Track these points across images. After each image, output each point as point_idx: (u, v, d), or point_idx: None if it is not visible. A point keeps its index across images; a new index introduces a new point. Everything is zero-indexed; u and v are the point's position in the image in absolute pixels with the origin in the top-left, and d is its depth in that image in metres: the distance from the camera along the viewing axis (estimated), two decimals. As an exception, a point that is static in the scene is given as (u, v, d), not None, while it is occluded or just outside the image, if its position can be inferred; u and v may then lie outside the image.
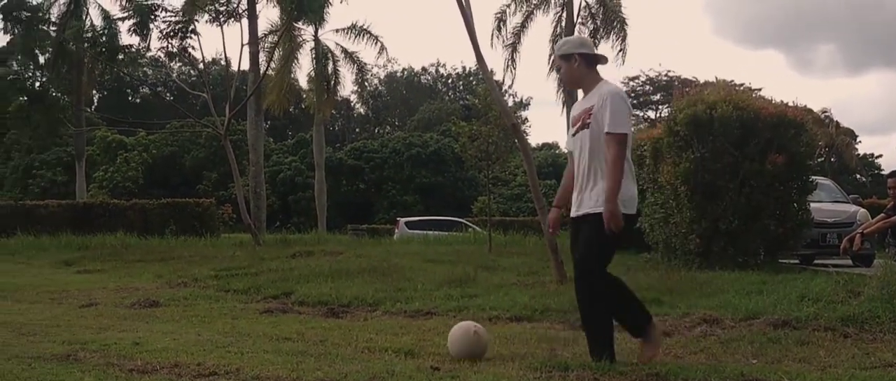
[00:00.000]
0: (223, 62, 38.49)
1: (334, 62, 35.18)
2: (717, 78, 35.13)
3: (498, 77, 36.77)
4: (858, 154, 57.24)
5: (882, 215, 8.75)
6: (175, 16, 22.61)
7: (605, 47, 29.75)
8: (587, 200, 4.67)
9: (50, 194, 45.51)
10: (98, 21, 30.98)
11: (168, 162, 55.96)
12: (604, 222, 4.50)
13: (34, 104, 31.62)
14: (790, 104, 12.00)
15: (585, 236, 4.69)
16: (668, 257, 11.40)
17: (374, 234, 31.61)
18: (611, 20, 28.76)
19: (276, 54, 29.83)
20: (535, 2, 28.79)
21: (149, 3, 23.11)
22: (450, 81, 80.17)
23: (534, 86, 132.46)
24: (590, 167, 4.66)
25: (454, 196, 52.53)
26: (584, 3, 28.82)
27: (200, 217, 28.98)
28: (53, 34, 31.32)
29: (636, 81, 56.31)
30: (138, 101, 69.00)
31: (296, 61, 33.48)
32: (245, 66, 26.00)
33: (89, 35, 29.03)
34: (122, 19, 24.91)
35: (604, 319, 4.73)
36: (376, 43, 34.03)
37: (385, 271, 10.95)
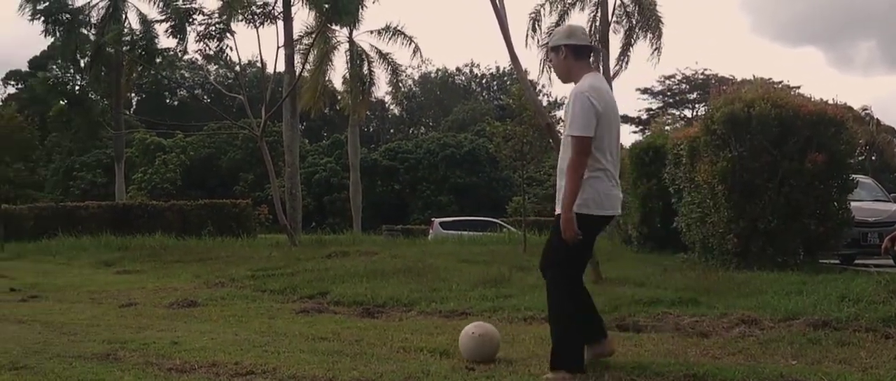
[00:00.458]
0: (259, 64, 38.79)
1: (369, 63, 35.29)
2: (754, 76, 34.72)
3: (532, 77, 36.72)
4: (899, 152, 56.20)
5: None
6: (212, 18, 22.85)
7: (641, 46, 29.64)
8: (557, 201, 4.55)
9: (90, 195, 46.16)
10: (136, 24, 31.47)
11: (205, 164, 56.52)
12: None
13: (74, 107, 32.12)
14: (830, 102, 11.78)
15: (549, 237, 4.65)
16: (705, 257, 11.28)
17: (409, 234, 31.66)
18: (646, 18, 28.57)
19: (311, 56, 30.00)
20: (569, 1, 28.67)
21: (186, 6, 23.38)
22: (484, 81, 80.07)
23: (568, 85, 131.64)
24: (560, 168, 4.54)
25: (489, 196, 52.45)
26: (619, 2, 28.66)
27: (237, 218, 29.30)
28: (93, 38, 31.79)
29: (672, 79, 55.90)
30: (176, 103, 69.78)
31: (330, 63, 33.69)
32: (281, 68, 26.22)
33: (128, 38, 29.42)
34: (160, 22, 25.26)
35: (568, 324, 4.48)
36: (410, 44, 34.11)
37: (420, 272, 10.95)
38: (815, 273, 9.21)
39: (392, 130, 78.46)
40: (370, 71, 35.40)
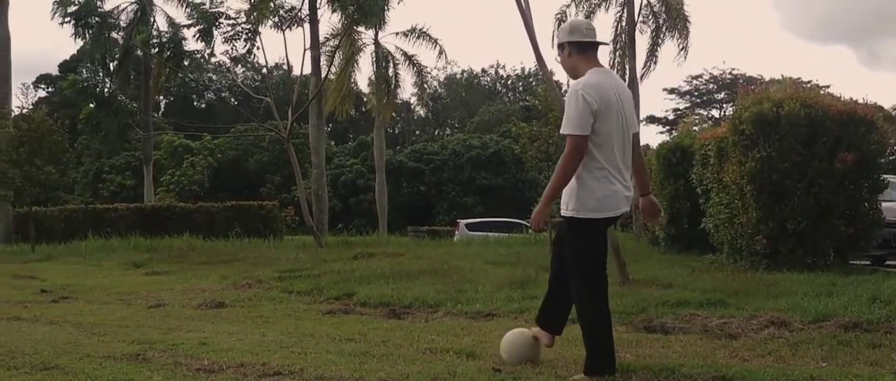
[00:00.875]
0: (285, 67, 39.02)
1: (394, 65, 35.39)
2: (783, 75, 34.41)
3: (558, 77, 36.57)
4: (932, 152, 55.47)
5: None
6: (238, 21, 23.01)
7: (668, 46, 29.43)
8: (563, 203, 4.53)
9: (119, 197, 46.72)
10: (164, 27, 31.79)
11: (232, 165, 56.93)
12: (570, 223, 4.41)
13: (103, 110, 32.47)
14: (860, 101, 11.63)
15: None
16: (733, 258, 11.18)
17: (435, 235, 31.68)
18: (673, 18, 28.39)
19: (337, 58, 30.12)
20: (595, 1, 28.55)
21: (213, 10, 23.57)
22: (509, 82, 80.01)
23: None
24: None
25: (514, 198, 52.36)
26: (645, 2, 28.50)
27: (264, 220, 29.50)
28: (121, 41, 32.14)
29: (699, 79, 55.51)
30: (203, 106, 70.37)
31: (356, 65, 33.81)
32: (307, 70, 26.35)
33: (156, 41, 29.73)
34: (188, 27, 25.47)
35: (597, 331, 4.44)
36: (435, 45, 34.18)
37: (446, 273, 10.95)
38: (845, 274, 9.11)
39: (417, 132, 78.60)
40: (396, 73, 35.52)
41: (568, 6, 28.35)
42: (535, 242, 19.48)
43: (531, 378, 4.46)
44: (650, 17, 28.82)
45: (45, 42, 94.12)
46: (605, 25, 29.72)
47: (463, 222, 31.38)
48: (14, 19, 64.30)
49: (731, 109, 45.24)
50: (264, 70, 39.80)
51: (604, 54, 28.68)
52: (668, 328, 6.45)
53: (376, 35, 34.16)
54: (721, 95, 55.38)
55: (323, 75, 26.21)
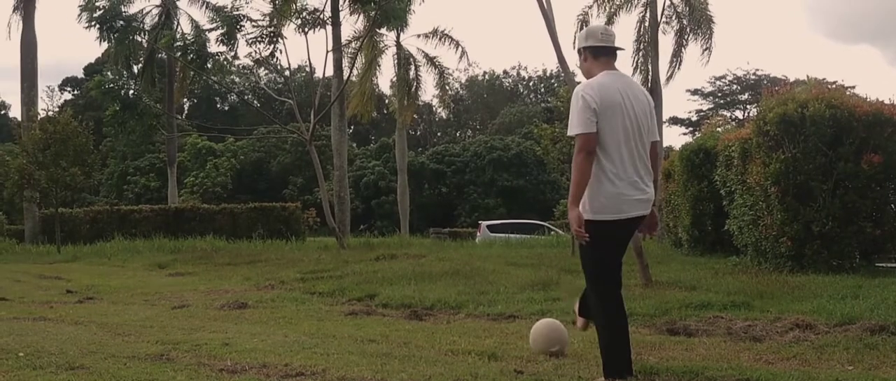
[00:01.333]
0: (308, 69, 39.18)
1: (416, 67, 35.43)
2: (808, 76, 34.07)
3: (580, 79, 36.45)
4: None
5: None
6: (261, 24, 23.09)
7: (692, 47, 29.21)
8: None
9: (144, 199, 47.13)
10: (188, 29, 31.98)
11: (255, 167, 57.25)
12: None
13: (128, 112, 32.72)
14: (886, 102, 11.49)
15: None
16: (757, 260, 11.09)
17: (457, 237, 31.70)
18: (697, 19, 28.17)
19: (359, 60, 30.17)
20: (618, 2, 28.39)
21: (236, 13, 23.67)
22: (531, 83, 79.88)
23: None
24: None
25: (536, 199, 52.28)
26: (668, 3, 28.32)
27: (286, 221, 29.66)
28: (145, 44, 32.39)
29: (723, 80, 55.16)
30: (226, 108, 70.80)
31: (378, 67, 33.86)
32: (329, 72, 26.41)
33: (180, 44, 29.94)
34: (211, 30, 25.60)
35: (610, 332, 4.38)
36: (457, 47, 34.19)
37: (467, 275, 10.95)
38: (871, 277, 9.01)
39: (439, 134, 78.65)
40: (417, 75, 35.56)
41: (590, 7, 28.23)
42: (558, 244, 19.44)
43: (554, 380, 4.44)
44: (673, 17, 28.64)
45: (71, 45, 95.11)
46: (627, 27, 29.62)
47: (485, 223, 31.34)
48: (40, 23, 65.00)
49: (755, 109, 44.90)
50: (287, 72, 40.06)
51: (627, 56, 28.51)
52: (691, 330, 6.41)
53: (398, 37, 34.24)
54: (745, 96, 54.99)
55: (345, 77, 26.29)
